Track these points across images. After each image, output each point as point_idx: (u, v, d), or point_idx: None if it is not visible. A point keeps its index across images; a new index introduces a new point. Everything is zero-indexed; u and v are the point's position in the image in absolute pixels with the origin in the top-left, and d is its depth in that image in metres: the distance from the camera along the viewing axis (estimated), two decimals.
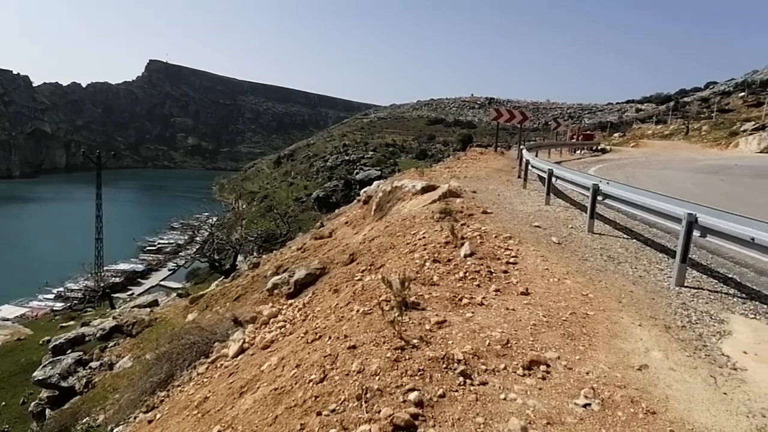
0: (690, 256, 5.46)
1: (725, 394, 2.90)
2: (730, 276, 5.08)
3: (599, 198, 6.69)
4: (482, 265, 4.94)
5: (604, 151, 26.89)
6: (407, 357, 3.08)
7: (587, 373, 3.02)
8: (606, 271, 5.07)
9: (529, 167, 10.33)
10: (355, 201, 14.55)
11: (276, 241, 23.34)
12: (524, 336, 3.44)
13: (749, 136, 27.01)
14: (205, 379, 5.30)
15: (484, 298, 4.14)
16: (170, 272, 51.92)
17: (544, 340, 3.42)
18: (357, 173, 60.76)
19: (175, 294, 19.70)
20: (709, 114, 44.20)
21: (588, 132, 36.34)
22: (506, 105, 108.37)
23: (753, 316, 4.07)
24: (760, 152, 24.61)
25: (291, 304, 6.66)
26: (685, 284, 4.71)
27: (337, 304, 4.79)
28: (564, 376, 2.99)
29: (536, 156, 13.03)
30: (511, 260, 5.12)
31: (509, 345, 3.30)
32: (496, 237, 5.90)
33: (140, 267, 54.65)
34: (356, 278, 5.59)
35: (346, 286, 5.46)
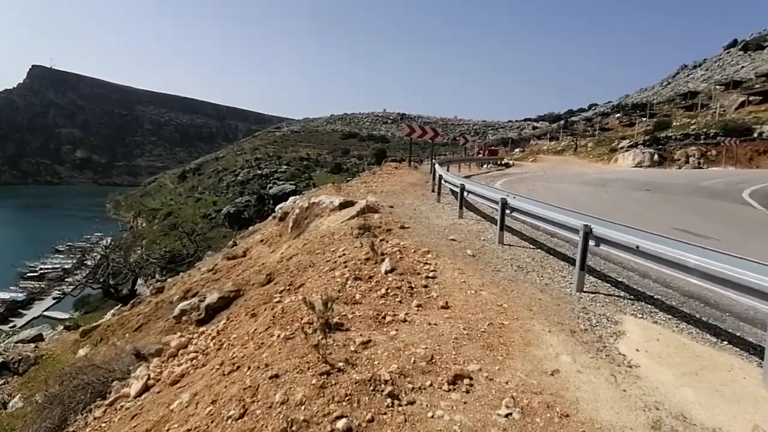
0: (587, 263, 6.00)
1: (624, 390, 3.18)
2: (620, 280, 5.63)
3: (507, 211, 7.11)
4: (403, 280, 4.99)
5: (507, 165, 28.93)
6: (333, 382, 2.99)
7: (507, 383, 3.14)
8: (517, 280, 5.38)
9: (442, 182, 10.75)
10: (271, 218, 14.10)
11: (182, 263, 21.81)
12: (447, 350, 3.51)
13: (625, 152, 30.75)
14: (103, 424, 4.71)
15: (407, 314, 4.17)
16: (55, 301, 46.19)
17: (466, 353, 3.51)
18: (271, 188, 59.06)
19: (62, 326, 17.51)
20: (593, 132, 49.57)
21: (493, 147, 38.94)
22: (417, 121, 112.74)
23: (641, 316, 4.54)
24: (635, 167, 28.10)
25: (203, 333, 6.20)
26: (585, 289, 5.14)
27: (255, 330, 4.54)
28: (486, 387, 3.09)
29: (448, 170, 13.61)
30: (431, 274, 5.24)
31: (434, 361, 3.34)
32: (415, 252, 6.01)
33: (21, 296, 47.95)
34: (275, 300, 5.36)
35: (265, 309, 5.22)
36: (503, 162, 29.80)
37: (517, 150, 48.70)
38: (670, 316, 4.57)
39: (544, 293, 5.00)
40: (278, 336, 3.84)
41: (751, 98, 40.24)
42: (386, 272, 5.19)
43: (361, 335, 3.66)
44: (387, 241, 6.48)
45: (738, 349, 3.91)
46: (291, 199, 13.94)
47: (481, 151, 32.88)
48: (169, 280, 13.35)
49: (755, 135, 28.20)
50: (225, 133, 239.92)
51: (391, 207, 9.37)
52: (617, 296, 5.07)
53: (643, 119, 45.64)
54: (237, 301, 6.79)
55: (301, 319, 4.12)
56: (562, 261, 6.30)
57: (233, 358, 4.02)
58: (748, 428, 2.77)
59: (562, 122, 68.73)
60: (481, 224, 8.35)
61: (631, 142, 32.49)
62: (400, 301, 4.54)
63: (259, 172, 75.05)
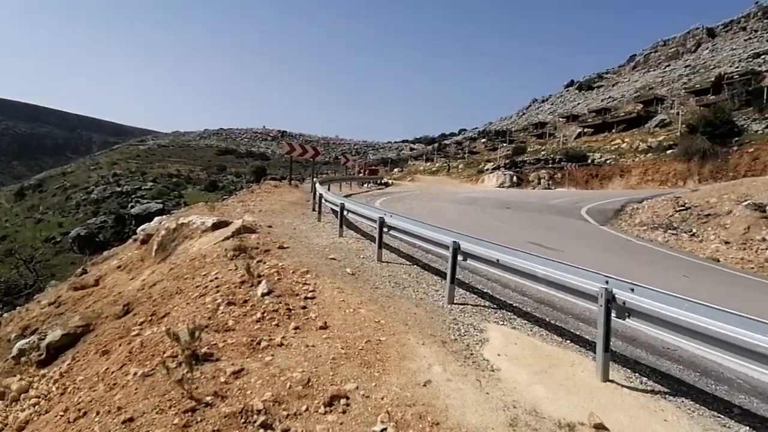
0: (457, 276, 6.44)
1: (488, 393, 3.44)
2: (485, 291, 6.15)
3: (385, 229, 7.36)
4: (281, 303, 4.85)
5: (387, 184, 30.11)
6: (199, 419, 2.76)
7: (382, 398, 3.20)
8: (394, 296, 5.55)
9: (323, 201, 10.76)
10: (131, 240, 12.69)
11: (20, 294, 18.51)
12: (324, 372, 3.47)
13: (490, 174, 34.14)
14: None
15: (283, 337, 4.04)
16: None
17: (343, 372, 3.50)
18: (133, 207, 53.28)
19: None
20: (463, 155, 54.11)
21: (373, 167, 40.24)
22: (299, 139, 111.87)
23: (502, 322, 4.99)
24: (498, 187, 31.31)
25: (44, 375, 5.30)
26: (455, 301, 5.51)
27: (106, 369, 4.00)
28: (363, 405, 3.11)
29: (329, 189, 13.70)
30: (309, 295, 5.16)
31: (310, 384, 3.27)
32: (293, 272, 5.88)
33: None
34: (133, 333, 4.80)
35: (120, 345, 4.63)
36: (383, 181, 30.95)
37: (396, 170, 51.02)
38: (525, 321, 5.10)
39: (419, 307, 5.24)
40: (134, 374, 3.44)
41: (585, 130, 47.64)
42: (263, 295, 4.99)
43: (232, 364, 3.45)
44: (264, 263, 6.25)
45: (578, 346, 4.49)
46: (156, 219, 12.73)
47: (362, 171, 33.77)
48: (4, 315, 11.15)
49: (589, 161, 33.36)
50: (75, 145, 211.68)
51: (270, 227, 9.10)
52: (483, 306, 5.51)
53: (504, 144, 51.18)
54: (86, 337, 5.94)
55: (164, 352, 3.75)
56: (435, 276, 6.68)
57: (79, 404, 3.48)
58: (585, 415, 3.18)
59: (437, 145, 73.91)
60: (361, 242, 8.50)
61: (495, 165, 36.20)
62: (277, 325, 4.38)
63: (118, 189, 67.27)
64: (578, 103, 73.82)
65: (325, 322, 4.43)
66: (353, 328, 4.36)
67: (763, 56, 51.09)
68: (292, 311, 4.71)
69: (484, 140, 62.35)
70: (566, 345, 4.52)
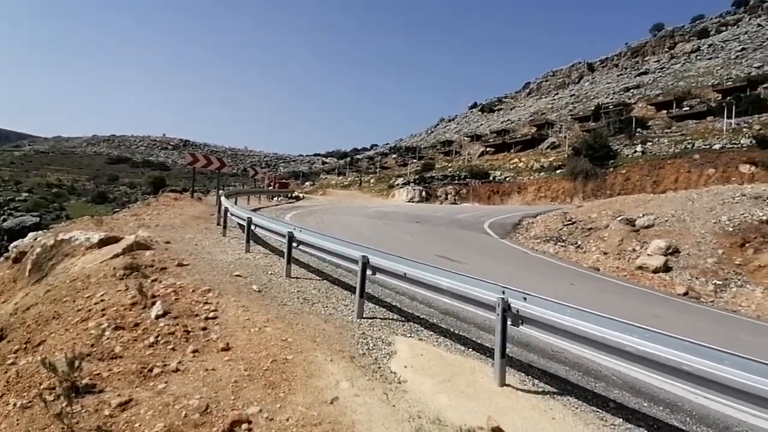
0: (367, 291, 6.48)
1: (394, 406, 3.49)
2: (394, 304, 6.26)
3: (294, 244, 7.21)
4: (178, 325, 4.52)
5: (298, 198, 29.64)
6: None
7: (287, 420, 3.10)
8: (302, 313, 5.44)
9: (229, 214, 10.28)
10: (2, 259, 11.11)
11: None
12: (225, 396, 3.28)
13: (401, 189, 35.13)
14: None
15: (180, 362, 3.76)
16: None
17: (246, 395, 3.34)
18: (5, 220, 46.73)
19: None
20: (374, 170, 55.09)
21: (284, 180, 39.43)
22: (203, 149, 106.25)
23: (410, 335, 5.11)
24: (408, 201, 32.28)
25: None
26: (364, 316, 5.53)
27: None
28: (266, 428, 2.98)
29: (236, 203, 13.13)
30: (211, 315, 4.88)
31: (209, 410, 3.07)
32: (193, 291, 5.52)
33: None
34: (8, 362, 4.18)
35: None
36: (294, 195, 30.43)
37: (308, 183, 50.47)
38: (432, 333, 5.26)
39: (328, 323, 5.18)
40: (14, 405, 3.01)
41: (488, 149, 51.03)
42: (157, 317, 4.62)
43: (119, 395, 3.13)
44: (160, 282, 5.81)
45: (479, 354, 4.74)
46: (31, 235, 11.28)
47: (272, 184, 32.92)
48: None
49: (491, 178, 35.74)
50: None
51: (168, 242, 8.47)
52: (392, 319, 5.60)
53: (414, 161, 53.03)
54: None
55: (40, 384, 3.31)
56: (345, 290, 6.66)
57: None
58: (484, 419, 3.34)
59: (349, 159, 74.53)
60: (269, 258, 8.24)
61: (405, 180, 37.33)
62: (173, 349, 4.08)
63: None
64: (481, 124, 79.06)
65: (228, 344, 4.20)
66: (258, 348, 4.19)
67: (631, 90, 58.88)
68: (191, 333, 4.42)
69: (395, 156, 64.14)
70: (469, 353, 4.74)
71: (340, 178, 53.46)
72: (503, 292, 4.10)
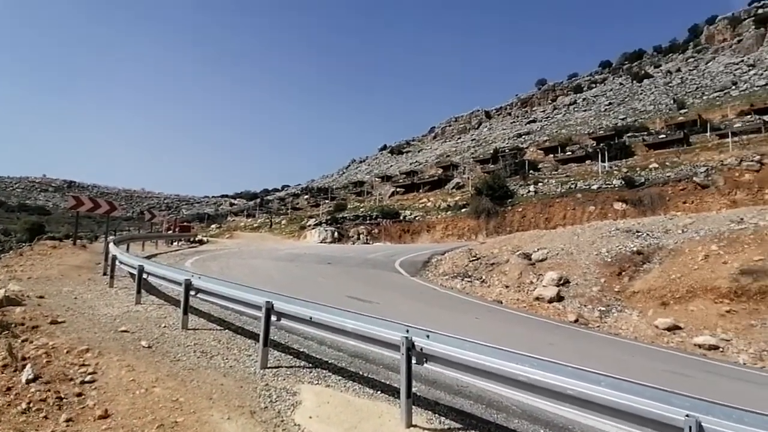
0: (272, 338, 6.18)
1: None
2: (301, 350, 6.02)
3: (192, 292, 6.73)
4: (49, 390, 3.95)
5: (201, 242, 27.96)
6: None
7: None
8: (199, 368, 5.02)
9: (117, 263, 9.35)
10: None
11: None
12: None
13: (312, 230, 34.74)
14: None
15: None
16: None
17: None
18: None
19: None
20: (286, 210, 54.09)
21: (185, 224, 37.09)
22: (92, 191, 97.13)
23: (317, 382, 4.92)
24: (320, 242, 31.95)
25: None
26: (269, 365, 5.24)
27: None
28: None
29: (128, 249, 12.04)
30: (88, 378, 4.32)
31: None
32: (68, 352, 4.87)
33: None
34: None
35: None
36: (197, 239, 28.70)
37: (213, 226, 48.02)
38: (340, 378, 5.12)
39: (227, 377, 4.83)
40: None
41: (398, 189, 52.73)
42: (28, 381, 4.04)
43: None
44: (31, 342, 5.07)
45: (387, 396, 4.67)
46: None
47: (171, 228, 30.81)
48: None
49: (401, 217, 36.80)
50: None
51: (42, 297, 7.47)
52: (298, 367, 5.36)
53: (326, 201, 53.06)
54: None
55: None
56: (249, 339, 6.30)
57: None
58: None
59: (259, 200, 72.58)
60: (164, 309, 7.58)
61: (317, 221, 37.04)
62: (45, 417, 3.57)
63: None
64: (391, 165, 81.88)
65: (106, 410, 3.73)
66: (143, 413, 3.75)
67: (523, 136, 65.11)
68: (64, 400, 3.88)
69: (307, 197, 63.73)
70: (377, 396, 4.66)
71: (250, 219, 51.68)
72: (407, 331, 4.13)
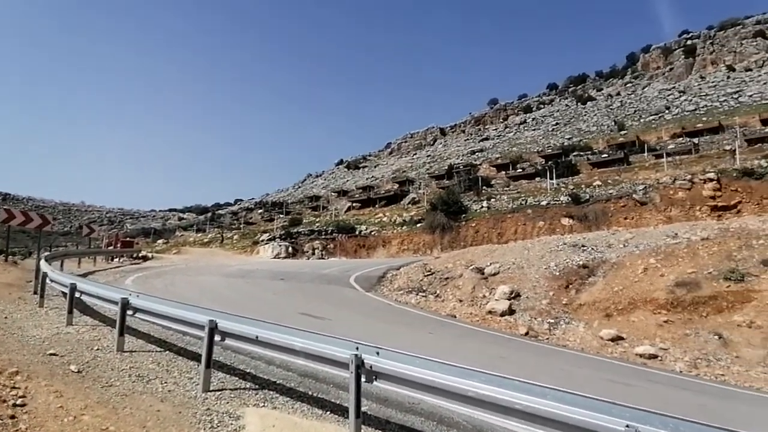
0: (218, 358, 5.89)
1: None
2: (248, 371, 5.76)
3: (130, 312, 6.33)
4: None
5: (145, 258, 26.60)
6: None
7: None
8: (134, 393, 4.68)
9: (48, 281, 8.68)
10: None
11: None
12: None
13: (266, 245, 33.93)
14: None
15: None
16: None
17: None
18: None
19: None
20: (238, 225, 52.63)
21: (128, 239, 35.24)
22: (26, 204, 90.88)
23: (263, 404, 4.70)
24: (273, 258, 31.22)
25: None
26: (211, 388, 4.97)
27: None
28: None
29: (62, 266, 11.24)
30: (19, 402, 3.96)
31: None
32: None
33: None
34: None
35: None
36: (141, 255, 27.30)
37: (160, 241, 45.93)
38: (288, 399, 4.92)
39: (165, 402, 4.53)
40: None
41: (354, 204, 52.66)
42: None
43: None
44: None
45: (337, 416, 4.53)
46: None
47: (112, 243, 29.18)
48: None
49: (357, 232, 36.67)
50: None
51: None
52: (243, 389, 5.12)
53: (281, 216, 52.13)
54: None
55: None
56: (192, 361, 5.97)
57: None
58: None
59: (210, 214, 70.29)
60: (98, 330, 7.08)
61: (271, 236, 36.25)
62: None
63: None
64: (347, 180, 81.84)
65: None
66: None
67: (477, 153, 67.00)
68: (1, 422, 3.49)
69: (261, 211, 62.40)
70: (326, 417, 4.51)
71: (200, 234, 49.84)
72: (357, 348, 4.03)
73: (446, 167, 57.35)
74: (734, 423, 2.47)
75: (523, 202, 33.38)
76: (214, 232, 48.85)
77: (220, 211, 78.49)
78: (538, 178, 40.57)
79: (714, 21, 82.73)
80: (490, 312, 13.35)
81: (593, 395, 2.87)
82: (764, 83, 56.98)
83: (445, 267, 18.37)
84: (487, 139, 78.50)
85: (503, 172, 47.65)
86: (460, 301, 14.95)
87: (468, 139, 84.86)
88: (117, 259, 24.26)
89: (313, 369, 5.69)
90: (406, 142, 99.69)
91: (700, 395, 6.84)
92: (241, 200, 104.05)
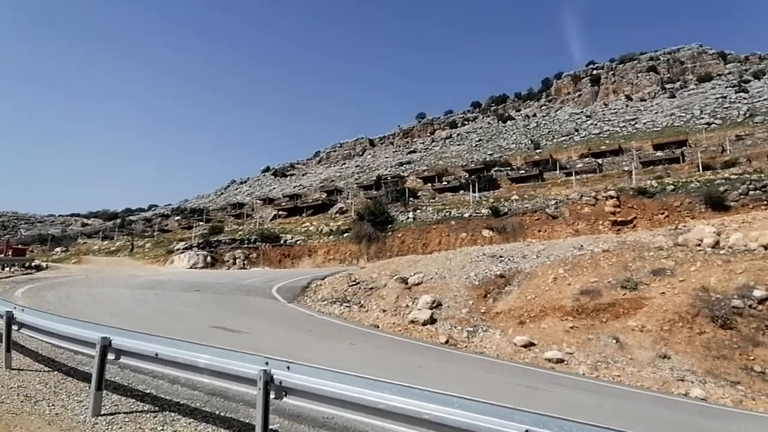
0: (114, 379, 5.37)
1: None
2: (147, 392, 5.30)
3: (15, 327, 5.62)
4: None
5: (39, 268, 23.90)
6: None
7: None
8: (22, 413, 4.18)
9: None
10: None
11: None
12: None
13: (181, 254, 31.95)
14: None
15: None
16: None
17: None
18: None
19: None
20: (152, 233, 49.15)
21: (19, 246, 31.53)
22: None
23: (161, 428, 4.31)
24: (190, 268, 29.47)
25: None
26: (103, 412, 4.50)
27: None
28: None
29: None
30: None
31: None
32: None
33: None
34: None
35: None
36: (34, 264, 24.54)
37: (58, 249, 41.63)
38: (192, 420, 4.56)
39: (52, 426, 4.06)
40: None
41: (280, 212, 51.38)
42: None
43: None
44: None
45: None
46: None
47: (3, 250, 25.97)
48: None
49: (282, 241, 35.74)
50: None
51: None
52: (140, 411, 4.69)
53: (201, 223, 49.52)
54: None
55: None
56: (83, 382, 5.40)
57: None
58: None
59: (120, 221, 65.05)
60: None
61: (188, 245, 34.23)
62: None
63: None
64: (274, 188, 79.91)
65: None
66: None
67: (404, 165, 68.46)
68: None
69: (178, 218, 58.89)
70: None
71: (107, 242, 45.86)
72: (267, 364, 3.84)
73: (375, 178, 57.99)
74: (625, 421, 2.64)
75: (448, 214, 34.50)
76: (124, 239, 45.22)
77: (131, 218, 72.94)
78: (461, 191, 42.24)
79: (616, 54, 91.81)
80: (412, 321, 13.52)
81: (499, 402, 2.93)
82: (655, 112, 64.20)
83: (370, 277, 18.41)
84: (414, 151, 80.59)
85: (429, 185, 49.07)
86: (384, 311, 15.01)
87: (396, 151, 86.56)
88: (8, 269, 21.57)
89: (222, 387, 5.37)
90: (335, 151, 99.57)
91: (598, 396, 7.36)
92: (156, 206, 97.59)
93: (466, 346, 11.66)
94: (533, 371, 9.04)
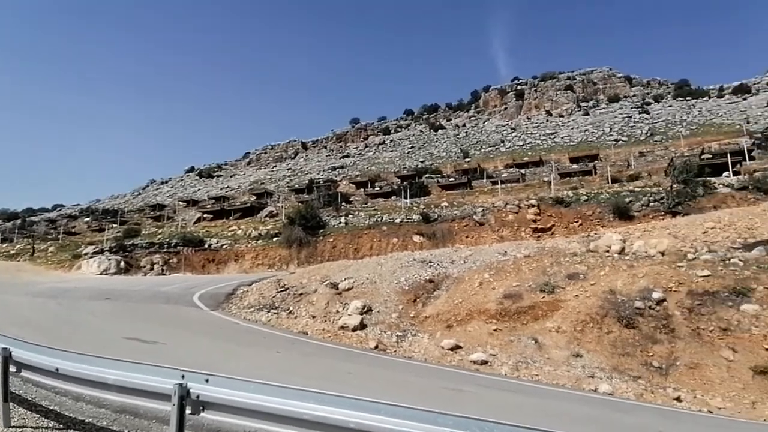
0: (18, 392, 4.88)
1: None
2: (51, 408, 4.83)
3: None
4: None
5: None
6: None
7: None
8: None
9: None
10: None
11: None
12: None
13: (90, 258, 29.36)
14: None
15: None
16: None
17: None
18: None
19: None
20: (57, 235, 44.76)
21: None
22: None
23: None
24: (100, 274, 27.17)
25: None
26: (13, 424, 4.04)
27: None
28: None
29: None
30: None
31: None
32: None
33: None
34: None
35: None
36: None
37: None
38: None
39: None
40: None
41: (205, 215, 49.00)
42: None
43: None
44: None
45: None
46: None
47: None
48: None
49: (206, 245, 34.08)
50: None
51: None
52: (46, 428, 4.24)
53: (115, 225, 45.92)
54: None
55: None
56: None
57: None
58: None
59: (20, 221, 58.61)
60: None
61: (98, 249, 31.56)
62: None
63: None
64: (198, 189, 76.17)
65: None
66: None
67: (337, 169, 68.22)
68: None
69: (87, 219, 54.24)
70: None
71: (5, 245, 41.19)
72: (183, 377, 3.58)
73: (306, 181, 57.22)
74: (543, 419, 2.75)
75: (379, 219, 34.81)
76: (24, 242, 40.81)
77: (33, 218, 66.06)
78: (393, 197, 42.86)
79: (538, 72, 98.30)
80: (342, 327, 13.41)
81: (425, 406, 2.95)
82: (572, 128, 69.42)
83: (300, 282, 18.04)
84: (348, 156, 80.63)
85: (362, 190, 49.30)
86: (314, 317, 14.77)
87: (329, 155, 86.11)
88: None
89: (133, 403, 4.97)
90: (266, 153, 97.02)
91: (518, 395, 7.72)
92: (62, 206, 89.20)
93: (395, 351, 11.76)
94: (459, 374, 9.31)
